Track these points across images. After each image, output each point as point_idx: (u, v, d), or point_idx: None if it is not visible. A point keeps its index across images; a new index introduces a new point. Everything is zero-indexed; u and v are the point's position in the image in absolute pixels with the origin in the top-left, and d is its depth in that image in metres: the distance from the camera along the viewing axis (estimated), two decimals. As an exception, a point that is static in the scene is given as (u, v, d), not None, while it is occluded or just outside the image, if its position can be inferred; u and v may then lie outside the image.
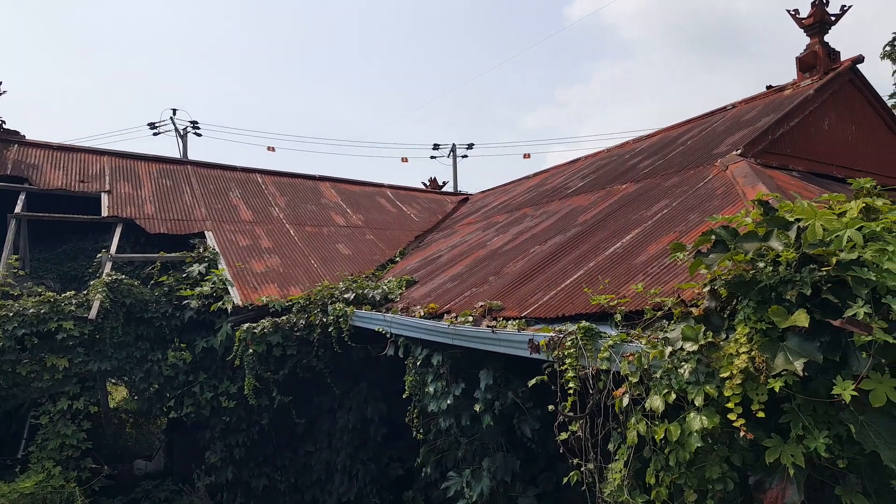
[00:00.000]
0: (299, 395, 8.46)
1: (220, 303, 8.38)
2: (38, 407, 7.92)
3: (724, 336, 3.15)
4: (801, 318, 2.69)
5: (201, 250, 9.56)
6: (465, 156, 23.93)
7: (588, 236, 6.29)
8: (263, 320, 7.97)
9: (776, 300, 2.89)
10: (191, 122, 21.89)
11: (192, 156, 19.76)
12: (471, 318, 5.42)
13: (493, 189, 14.48)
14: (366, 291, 7.87)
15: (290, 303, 8.33)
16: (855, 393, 2.59)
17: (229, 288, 8.65)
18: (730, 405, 2.90)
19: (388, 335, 6.67)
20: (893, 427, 2.63)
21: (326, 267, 9.84)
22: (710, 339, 3.13)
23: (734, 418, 2.87)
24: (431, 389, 5.90)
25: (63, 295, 8.23)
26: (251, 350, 7.76)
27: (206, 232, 10.20)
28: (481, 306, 5.55)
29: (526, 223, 8.60)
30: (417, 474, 8.05)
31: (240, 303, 8.31)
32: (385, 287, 7.97)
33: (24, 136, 11.54)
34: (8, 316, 7.67)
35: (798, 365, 2.70)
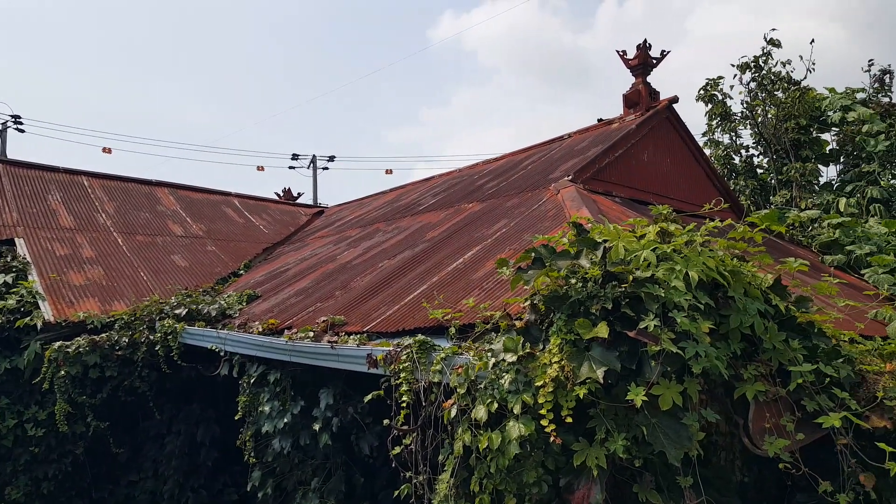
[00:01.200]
0: (122, 421, 7.88)
1: (29, 318, 7.61)
2: None
3: (541, 347, 3.44)
4: (603, 330, 3.02)
5: (9, 259, 8.64)
6: (327, 168, 23.68)
7: (434, 252, 6.52)
8: (79, 338, 7.36)
9: (584, 313, 3.22)
10: (12, 116, 19.72)
11: (14, 154, 17.79)
12: (311, 334, 5.40)
13: (349, 203, 14.50)
14: (201, 307, 7.54)
15: (113, 319, 7.77)
16: (646, 398, 2.94)
17: (40, 302, 7.90)
18: (543, 412, 3.17)
19: (222, 353, 6.45)
20: (678, 428, 3.02)
21: (158, 280, 9.28)
22: (528, 350, 3.40)
23: (546, 424, 3.14)
24: (267, 409, 5.78)
25: None
26: (63, 371, 7.13)
27: (16, 238, 9.23)
28: (324, 321, 5.54)
29: (378, 238, 8.72)
30: (253, 499, 7.79)
31: (52, 318, 7.62)
32: (223, 302, 7.69)
33: None
34: None
35: (599, 373, 3.02)
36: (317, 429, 5.39)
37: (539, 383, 3.22)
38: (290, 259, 9.99)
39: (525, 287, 3.69)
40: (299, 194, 17.11)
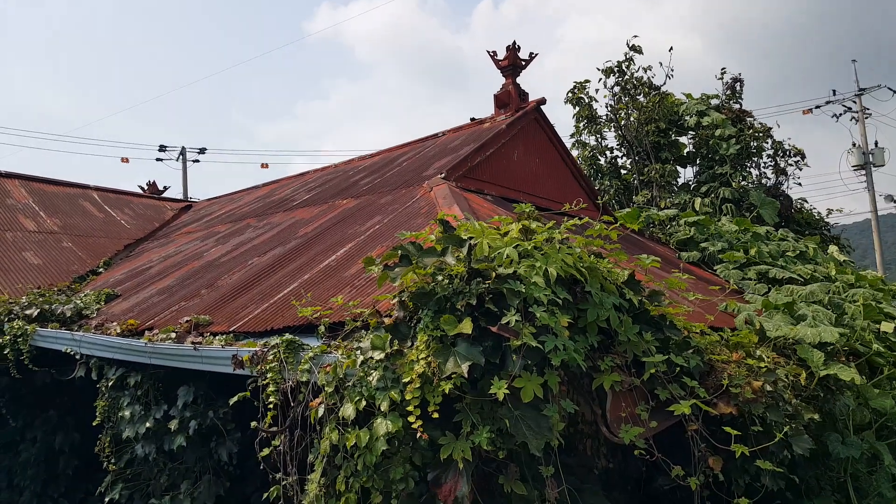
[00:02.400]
0: (-33, 431, 6.83)
1: None
2: None
3: (409, 344, 3.26)
4: (467, 326, 2.89)
5: None
6: (197, 160, 22.02)
7: (307, 249, 6.15)
8: (-89, 343, 6.26)
9: (450, 310, 3.07)
10: None
11: None
12: (174, 335, 4.88)
13: (219, 198, 13.53)
14: (54, 307, 6.65)
15: (-46, 321, 6.67)
16: (508, 391, 2.85)
17: None
18: (410, 408, 2.99)
19: (77, 356, 5.71)
20: (539, 419, 2.95)
21: (8, 279, 8.10)
22: (396, 348, 3.21)
23: (413, 420, 2.97)
24: (127, 413, 5.17)
25: None
26: None
27: None
28: (188, 321, 5.03)
29: (248, 234, 8.14)
30: (118, 507, 7.05)
31: None
32: (79, 302, 6.83)
33: None
34: None
35: (464, 367, 2.88)
36: (171, 428, 4.90)
37: (406, 380, 3.05)
38: (154, 256, 9.12)
39: (394, 284, 3.49)
40: (166, 188, 15.71)
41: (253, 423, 3.97)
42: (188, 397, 4.90)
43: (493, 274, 3.03)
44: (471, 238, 3.23)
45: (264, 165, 24.45)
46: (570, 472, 3.12)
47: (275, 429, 3.83)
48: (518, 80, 8.77)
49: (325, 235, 6.37)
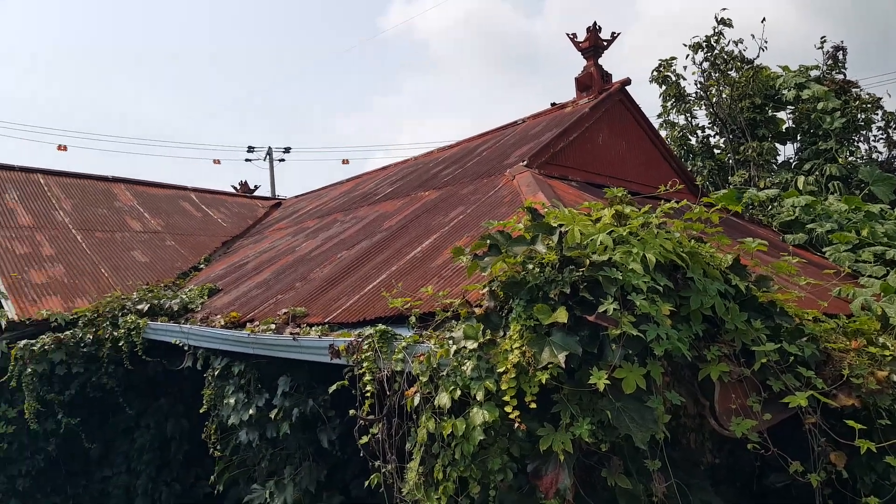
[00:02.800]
0: (91, 417, 7.47)
1: (-10, 319, 7.10)
2: None
3: (501, 333, 3.24)
4: (562, 315, 2.83)
5: (-36, 261, 8.04)
6: (283, 160, 22.92)
7: (392, 241, 6.26)
8: (44, 336, 6.94)
9: (542, 299, 3.02)
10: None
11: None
12: (273, 326, 5.10)
13: (306, 194, 14.02)
14: (163, 301, 7.12)
15: (76, 316, 7.31)
16: (608, 382, 2.77)
17: (3, 301, 7.41)
18: (506, 398, 2.98)
19: (185, 347, 6.09)
20: (643, 411, 2.85)
21: (119, 276, 8.77)
22: (489, 337, 3.19)
23: (510, 410, 2.95)
24: (232, 401, 5.47)
25: None
26: (30, 369, 6.71)
27: (-29, 240, 8.59)
28: (285, 313, 5.25)
29: (335, 228, 8.38)
30: (226, 492, 7.48)
31: (15, 317, 7.17)
32: (185, 296, 7.28)
33: None
34: None
35: (561, 357, 2.83)
36: (273, 417, 5.13)
37: (501, 369, 3.03)
38: (250, 252, 9.57)
39: (483, 274, 3.48)
40: (256, 187, 16.50)
41: (351, 411, 4.09)
42: (286, 386, 5.11)
43: (587, 261, 2.95)
44: (561, 225, 3.16)
45: (345, 161, 25.09)
46: (676, 466, 3.00)
47: (372, 417, 3.93)
48: (600, 61, 8.51)
49: (409, 227, 6.46)
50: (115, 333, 6.93)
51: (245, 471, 6.03)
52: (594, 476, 3.14)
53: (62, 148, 17.45)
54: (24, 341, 6.84)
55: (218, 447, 5.81)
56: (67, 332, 7.06)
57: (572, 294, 2.98)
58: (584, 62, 8.54)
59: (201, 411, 5.84)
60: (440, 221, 6.04)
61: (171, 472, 7.71)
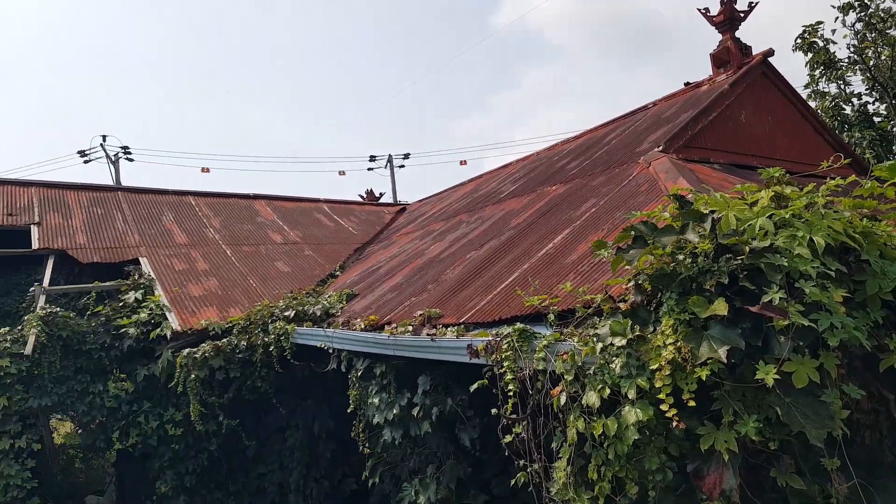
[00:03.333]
0: (247, 418, 8.13)
1: (159, 329, 7.99)
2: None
3: (651, 329, 3.13)
4: (721, 307, 2.68)
5: (136, 277, 9.10)
6: (402, 166, 23.73)
7: (521, 239, 6.26)
8: (204, 344, 7.63)
9: (697, 291, 2.88)
10: (122, 147, 20.92)
11: (125, 181, 18.90)
12: (410, 328, 5.29)
13: (429, 198, 14.40)
14: (306, 308, 7.62)
15: (231, 324, 8.00)
16: (777, 376, 2.59)
17: (167, 313, 8.26)
18: (661, 396, 2.87)
19: (330, 350, 6.47)
20: (817, 406, 2.64)
21: (266, 286, 9.50)
22: (637, 333, 3.10)
23: (666, 408, 2.85)
24: (376, 401, 5.73)
25: (-4, 332, 7.69)
26: (193, 375, 7.42)
27: (140, 258, 9.71)
28: (420, 315, 5.43)
29: (462, 230, 8.53)
30: (372, 489, 7.85)
31: (179, 328, 7.95)
32: (325, 302, 7.74)
33: (-60, 172, 10.74)
34: (-62, 357, 7.12)
35: (721, 352, 2.69)
36: (415, 414, 5.30)
37: (654, 366, 2.93)
38: (381, 257, 9.98)
39: (626, 268, 3.38)
40: (381, 194, 17.21)
41: (493, 410, 4.14)
42: (426, 386, 5.27)
43: (746, 249, 2.77)
44: (713, 211, 3.00)
45: (463, 162, 25.56)
46: (856, 465, 2.74)
47: (515, 416, 3.95)
48: (737, 34, 7.96)
49: (538, 224, 6.42)
50: (266, 339, 7.51)
51: (389, 468, 6.30)
52: (762, 476, 2.95)
53: (205, 170, 19.29)
54: (186, 350, 7.59)
55: (367, 445, 6.10)
56: (224, 340, 7.74)
57: (730, 284, 2.82)
58: (720, 37, 8.02)
59: (349, 411, 6.17)
60: (571, 216, 5.95)
61: (320, 470, 8.20)
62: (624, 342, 3.08)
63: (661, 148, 6.35)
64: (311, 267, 10.66)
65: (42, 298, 8.38)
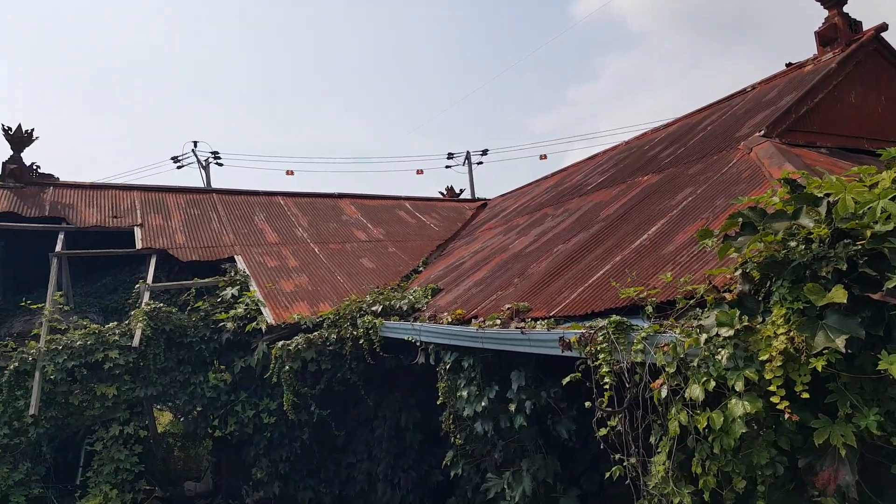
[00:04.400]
0: (336, 408, 8.46)
1: (255, 323, 8.46)
2: (91, 434, 8.11)
3: (760, 319, 3.05)
4: (839, 295, 2.58)
5: (233, 274, 9.67)
6: (480, 162, 23.77)
7: (612, 231, 6.18)
8: (297, 337, 7.99)
9: (811, 278, 2.79)
10: (212, 152, 22.13)
11: (215, 185, 20.00)
12: (499, 321, 5.36)
13: (511, 192, 14.40)
14: (393, 302, 7.84)
15: (321, 318, 8.35)
16: (903, 367, 2.47)
17: (262, 308, 8.72)
18: (772, 388, 2.80)
19: (417, 343, 6.63)
20: (947, 399, 2.50)
21: (352, 281, 9.84)
22: (745, 323, 3.03)
23: (777, 401, 2.77)
24: (465, 394, 5.83)
25: (107, 326, 8.38)
26: (287, 367, 7.79)
27: (235, 256, 10.30)
28: (508, 308, 5.48)
29: (547, 223, 8.50)
30: (458, 480, 7.98)
31: (273, 322, 8.37)
32: (411, 297, 7.93)
33: (57, 178, 11.81)
34: (58, 349, 7.88)
35: (840, 342, 2.59)
36: (512, 409, 5.35)
37: (764, 357, 2.85)
38: (464, 252, 10.10)
39: (732, 257, 3.30)
40: (461, 191, 17.35)
41: (587, 403, 4.14)
42: (521, 381, 5.31)
43: (867, 233, 2.65)
44: (828, 195, 2.89)
45: (543, 157, 25.24)
46: None
47: (612, 409, 3.94)
48: (845, 9, 7.48)
49: (630, 215, 6.32)
50: (356, 332, 7.79)
51: (473, 461, 6.39)
52: (882, 473, 2.81)
53: (290, 173, 20.04)
54: (281, 342, 7.99)
55: (457, 437, 6.21)
56: (315, 333, 8.08)
57: (848, 271, 2.71)
58: (825, 13, 7.56)
59: (438, 403, 6.31)
60: (666, 206, 5.83)
61: (408, 460, 8.41)
62: (731, 333, 3.01)
63: (762, 132, 6.09)
64: (394, 263, 10.94)
65: (146, 295, 9.03)
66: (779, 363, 2.77)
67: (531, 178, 13.89)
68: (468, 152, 22.66)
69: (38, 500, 7.78)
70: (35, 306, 8.73)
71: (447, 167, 22.76)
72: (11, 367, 7.77)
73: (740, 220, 3.08)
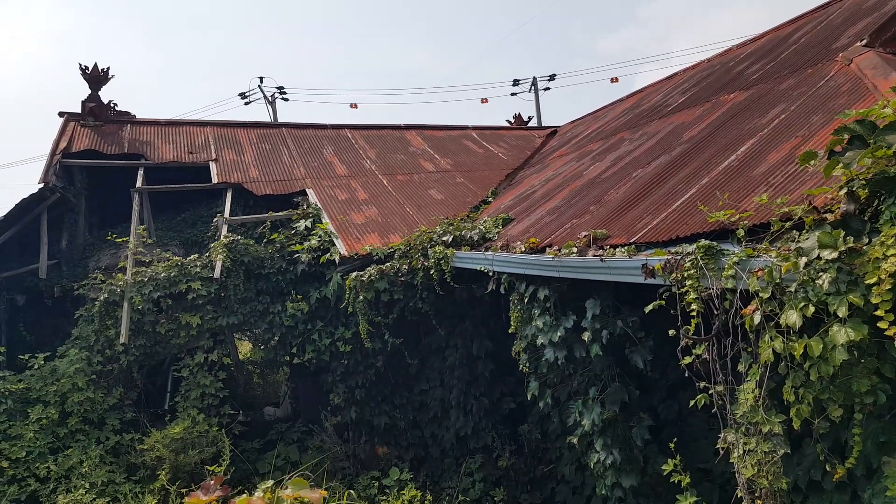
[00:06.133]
0: (409, 337, 8.69)
1: (328, 255, 8.70)
2: (178, 361, 8.68)
3: (866, 240, 2.87)
4: (966, 211, 2.38)
5: (305, 207, 9.91)
6: (548, 88, 22.88)
7: (696, 153, 5.91)
8: (369, 268, 8.14)
9: (930, 195, 2.58)
10: (277, 87, 22.31)
11: (282, 120, 20.28)
12: (575, 250, 5.27)
13: (583, 118, 13.92)
14: (463, 233, 7.85)
15: (392, 249, 8.47)
16: None
17: (334, 240, 8.94)
18: (879, 313, 2.66)
19: (490, 273, 6.66)
20: None
21: (421, 213, 9.91)
22: (850, 245, 2.86)
23: (885, 326, 2.64)
24: (539, 324, 5.85)
25: (188, 258, 8.83)
26: (361, 297, 8.01)
27: (307, 189, 10.52)
28: (585, 236, 5.37)
29: (624, 147, 8.21)
30: (529, 408, 8.13)
31: (345, 253, 8.58)
32: (482, 227, 7.92)
33: (134, 116, 12.25)
34: (143, 281, 8.38)
35: (963, 263, 2.41)
36: (586, 339, 5.34)
37: (871, 280, 2.70)
38: (534, 181, 9.93)
39: (835, 175, 3.09)
40: (529, 118, 16.90)
41: (671, 332, 4.08)
42: (595, 309, 5.27)
43: None
44: (953, 103, 2.63)
45: (614, 80, 23.95)
46: None
47: (698, 337, 3.87)
48: None
49: (716, 136, 6.00)
50: (426, 263, 7.89)
51: (549, 389, 6.47)
52: None
53: (353, 106, 20.00)
54: (354, 273, 8.19)
55: (527, 364, 6.30)
56: (387, 264, 8.23)
57: (975, 186, 2.49)
58: None
59: (509, 332, 6.38)
60: (756, 125, 5.49)
61: (479, 388, 8.62)
62: (835, 255, 2.86)
63: (864, 42, 5.59)
64: (463, 194, 10.90)
65: (224, 228, 9.40)
66: (888, 286, 2.62)
67: (601, 105, 13.36)
68: (534, 78, 21.95)
69: (131, 423, 8.45)
70: (120, 240, 9.27)
71: (513, 94, 22.15)
72: (102, 298, 8.35)
73: (847, 134, 2.86)
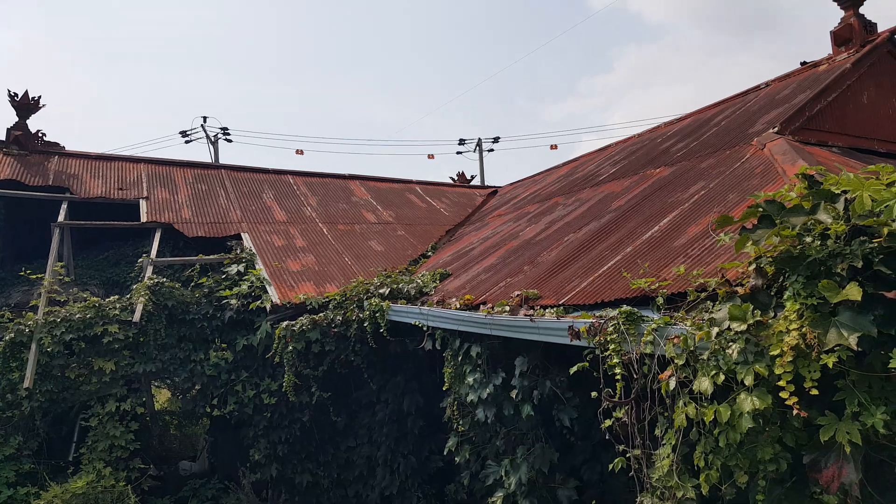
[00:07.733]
0: (338, 391, 8.53)
1: (259, 301, 8.51)
2: (87, 409, 8.12)
3: (772, 314, 3.09)
4: (854, 292, 2.62)
5: (238, 251, 9.72)
6: (492, 150, 23.73)
7: (624, 222, 6.22)
8: (302, 317, 8.02)
9: (826, 274, 2.83)
10: (221, 128, 22.23)
11: (223, 161, 20.05)
12: (508, 308, 5.41)
13: (522, 181, 14.41)
14: (401, 286, 7.89)
15: (327, 299, 8.39)
16: (914, 367, 2.51)
17: (267, 287, 8.78)
18: (781, 383, 2.85)
19: (424, 328, 6.70)
20: (956, 401, 2.55)
21: (360, 263, 9.91)
22: (758, 318, 3.07)
23: (786, 397, 2.82)
24: (470, 380, 5.91)
25: (107, 300, 8.42)
26: (291, 347, 7.84)
27: (242, 233, 10.36)
28: (518, 296, 5.53)
29: (558, 212, 8.54)
30: (458, 467, 8.07)
31: (278, 301, 8.42)
32: (419, 281, 7.99)
33: (63, 147, 11.85)
34: (56, 321, 7.90)
35: (852, 339, 2.63)
36: (513, 396, 5.41)
37: (775, 352, 2.89)
38: (474, 238, 10.15)
39: (745, 251, 3.34)
40: (472, 177, 17.36)
41: (593, 393, 4.20)
42: (523, 367, 5.38)
43: (885, 230, 2.69)
44: (845, 192, 2.92)
45: (553, 147, 25.22)
46: None
47: (617, 400, 4.00)
48: (861, 10, 7.57)
49: (641, 207, 6.36)
50: (362, 315, 7.85)
51: (474, 448, 6.47)
52: (885, 472, 2.87)
53: (300, 152, 20.09)
54: (285, 322, 8.05)
55: (459, 423, 6.30)
56: (321, 314, 8.13)
57: (863, 269, 2.75)
58: (842, 13, 7.63)
59: (444, 388, 6.39)
60: (678, 199, 5.86)
61: (408, 445, 8.49)
62: (743, 327, 3.05)
63: (776, 129, 6.15)
64: (403, 247, 10.99)
65: (150, 269, 9.06)
66: (790, 359, 2.81)
67: (541, 168, 13.93)
68: (479, 139, 22.67)
69: (28, 475, 7.75)
70: (35, 276, 8.75)
71: (458, 153, 22.79)
72: (7, 337, 7.74)
73: (760, 210, 3.11)
